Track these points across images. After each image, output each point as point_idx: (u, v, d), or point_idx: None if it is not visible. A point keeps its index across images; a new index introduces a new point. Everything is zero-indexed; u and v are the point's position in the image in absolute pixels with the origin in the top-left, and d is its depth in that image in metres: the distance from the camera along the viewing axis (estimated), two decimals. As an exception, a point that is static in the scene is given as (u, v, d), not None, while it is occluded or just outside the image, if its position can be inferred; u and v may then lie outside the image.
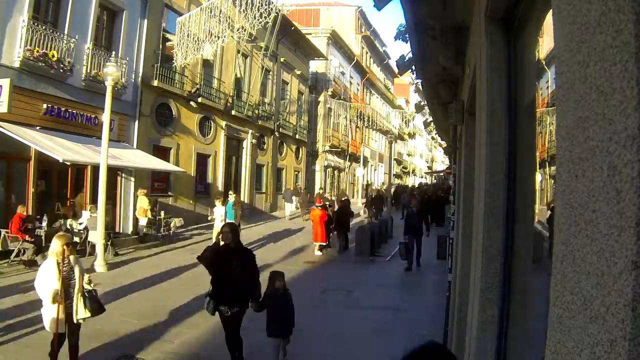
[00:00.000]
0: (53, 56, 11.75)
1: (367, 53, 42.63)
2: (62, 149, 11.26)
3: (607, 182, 0.67)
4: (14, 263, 10.22)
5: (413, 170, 63.35)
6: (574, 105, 0.80)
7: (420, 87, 13.40)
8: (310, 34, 30.35)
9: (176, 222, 14.84)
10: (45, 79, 11.85)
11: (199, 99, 18.23)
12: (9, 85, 10.28)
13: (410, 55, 5.67)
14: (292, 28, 24.75)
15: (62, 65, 12.06)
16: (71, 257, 5.18)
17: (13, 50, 11.02)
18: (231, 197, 14.65)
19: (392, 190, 29.18)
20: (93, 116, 13.40)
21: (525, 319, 1.97)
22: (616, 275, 0.63)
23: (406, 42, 5.43)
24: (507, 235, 2.10)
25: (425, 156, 72.91)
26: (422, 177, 64.86)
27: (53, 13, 12.52)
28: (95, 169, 12.13)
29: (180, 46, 14.70)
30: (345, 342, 7.13)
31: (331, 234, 14.99)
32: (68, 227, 11.75)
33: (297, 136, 28.61)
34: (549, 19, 1.43)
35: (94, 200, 12.55)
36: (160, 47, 16.41)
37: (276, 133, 25.75)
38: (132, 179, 15.21)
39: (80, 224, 11.98)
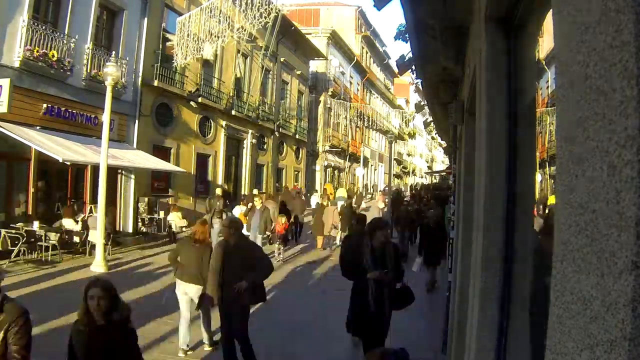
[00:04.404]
0: (53, 56, 11.76)
1: (367, 53, 42.62)
2: (62, 149, 11.25)
3: (607, 182, 0.67)
4: (19, 262, 10.24)
5: (413, 170, 63.35)
6: (574, 105, 0.80)
7: (420, 87, 13.42)
8: (310, 34, 30.35)
9: (177, 221, 14.84)
10: (45, 79, 11.85)
11: (199, 99, 18.23)
12: (9, 85, 10.28)
13: (410, 55, 5.67)
14: (292, 28, 24.75)
15: (62, 65, 12.06)
16: None
17: (13, 50, 11.02)
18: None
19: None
20: (93, 116, 13.40)
21: (525, 318, 1.97)
22: (616, 275, 0.62)
23: (406, 42, 5.44)
24: (507, 235, 2.10)
25: (425, 156, 72.90)
26: (422, 177, 64.87)
27: (53, 13, 12.52)
28: (95, 169, 12.13)
29: (180, 46, 14.71)
30: (344, 341, 7.13)
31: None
32: (64, 226, 11.73)
33: (297, 136, 28.62)
34: (549, 19, 1.42)
35: (94, 200, 12.56)
36: (160, 47, 16.41)
37: (276, 133, 25.76)
38: (132, 178, 15.21)
39: (77, 222, 11.95)
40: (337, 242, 14.87)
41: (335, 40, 33.11)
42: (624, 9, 0.62)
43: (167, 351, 6.15)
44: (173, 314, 7.67)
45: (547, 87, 1.71)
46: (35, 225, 10.92)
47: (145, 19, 15.48)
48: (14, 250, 10.23)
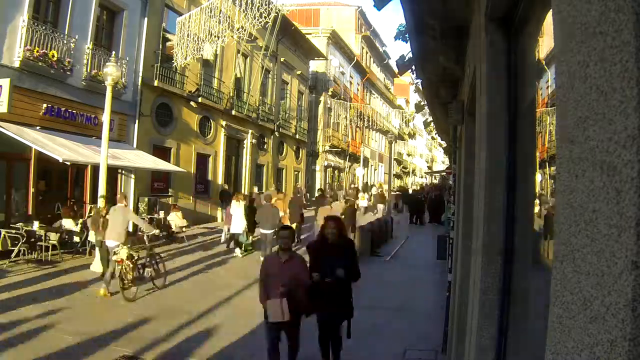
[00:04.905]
0: (53, 56, 11.75)
1: (367, 53, 42.62)
2: (62, 149, 11.25)
3: (607, 182, 0.67)
4: (19, 262, 10.23)
5: (413, 170, 63.36)
6: (574, 105, 0.80)
7: (420, 87, 13.42)
8: (310, 34, 30.34)
9: (177, 222, 14.84)
10: (45, 79, 11.85)
11: (199, 99, 18.23)
12: (9, 85, 10.27)
13: (410, 55, 5.67)
14: (292, 28, 24.75)
15: (62, 65, 12.06)
16: None
17: (13, 50, 11.02)
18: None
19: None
20: (93, 116, 13.40)
21: (525, 319, 1.97)
22: (616, 275, 0.63)
23: (406, 42, 5.44)
24: (507, 235, 2.10)
25: (425, 156, 72.90)
26: (422, 177, 64.88)
27: (53, 13, 12.52)
28: (96, 168, 12.13)
29: (180, 46, 14.70)
30: (343, 341, 7.12)
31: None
32: (64, 227, 11.71)
33: (297, 136, 28.61)
34: (549, 19, 1.42)
35: (94, 200, 12.56)
36: (160, 47, 16.41)
37: (276, 133, 25.75)
38: (132, 178, 15.21)
39: (76, 224, 11.92)
40: None
41: (335, 40, 33.10)
42: (624, 9, 0.62)
43: (167, 351, 6.15)
44: (172, 314, 7.67)
45: (547, 87, 1.71)
46: (35, 225, 10.92)
47: (145, 19, 15.48)
48: (14, 250, 10.22)
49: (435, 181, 42.79)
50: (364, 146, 40.18)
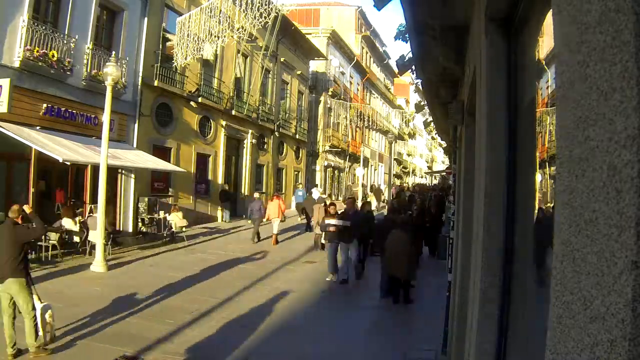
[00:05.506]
0: (53, 56, 11.75)
1: (367, 53, 42.61)
2: (62, 149, 11.26)
3: (607, 182, 0.67)
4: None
5: (413, 170, 63.35)
6: (574, 105, 0.80)
7: (420, 87, 13.42)
8: (310, 34, 30.33)
9: (177, 222, 14.84)
10: (45, 79, 11.85)
11: (199, 99, 18.24)
12: (9, 85, 10.28)
13: (410, 55, 5.68)
14: (292, 28, 24.75)
15: (62, 65, 12.06)
16: None
17: (13, 50, 11.02)
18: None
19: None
20: (93, 116, 13.40)
21: (525, 319, 1.97)
22: (616, 275, 0.63)
23: (406, 42, 5.45)
24: (507, 235, 2.10)
25: (425, 156, 72.89)
26: (422, 177, 64.89)
27: (53, 13, 12.52)
28: (96, 168, 12.14)
29: (180, 46, 14.71)
30: (343, 342, 7.14)
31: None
32: (64, 226, 11.71)
33: (297, 136, 28.62)
34: (549, 19, 1.42)
35: (94, 200, 12.56)
36: (160, 47, 16.42)
37: (276, 133, 25.76)
38: (132, 177, 15.22)
39: (76, 224, 11.92)
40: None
41: (335, 40, 33.09)
42: (624, 9, 0.62)
43: (167, 351, 6.15)
44: (172, 314, 7.68)
45: (547, 87, 1.71)
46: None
47: (145, 19, 15.48)
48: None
49: (436, 181, 42.67)
50: (364, 146, 40.15)
